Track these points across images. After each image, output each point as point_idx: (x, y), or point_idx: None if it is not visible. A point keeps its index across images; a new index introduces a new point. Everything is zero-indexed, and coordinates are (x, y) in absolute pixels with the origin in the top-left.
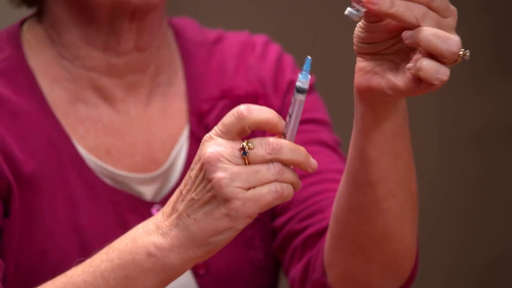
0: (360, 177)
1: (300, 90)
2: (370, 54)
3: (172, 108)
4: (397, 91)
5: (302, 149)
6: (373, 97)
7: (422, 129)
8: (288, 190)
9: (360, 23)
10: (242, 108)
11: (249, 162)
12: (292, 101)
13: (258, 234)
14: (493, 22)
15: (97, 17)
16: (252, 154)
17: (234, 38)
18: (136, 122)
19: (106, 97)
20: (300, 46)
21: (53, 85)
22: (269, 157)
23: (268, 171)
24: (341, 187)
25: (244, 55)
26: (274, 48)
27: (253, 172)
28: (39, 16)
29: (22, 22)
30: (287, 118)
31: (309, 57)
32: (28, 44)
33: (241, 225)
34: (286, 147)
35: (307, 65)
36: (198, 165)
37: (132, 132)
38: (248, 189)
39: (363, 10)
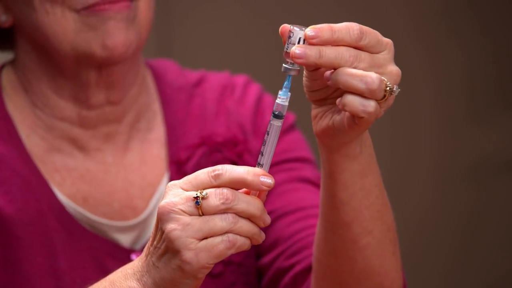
0: (333, 218)
1: (277, 116)
2: (321, 100)
3: (151, 154)
4: (342, 129)
5: (258, 202)
6: (330, 140)
7: (419, 161)
8: (242, 240)
9: (304, 72)
10: (219, 168)
11: (202, 213)
12: (269, 127)
13: (240, 279)
14: (493, 53)
15: (64, 67)
16: (205, 204)
17: (215, 80)
18: (114, 170)
19: (80, 147)
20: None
21: (30, 132)
22: (222, 207)
23: (221, 221)
24: (318, 230)
25: (224, 98)
26: (254, 90)
27: (206, 222)
28: (14, 62)
29: (3, 66)
30: (262, 145)
31: (290, 74)
32: (5, 90)
33: (199, 275)
34: (241, 198)
35: (287, 82)
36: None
37: (109, 180)
38: (201, 239)
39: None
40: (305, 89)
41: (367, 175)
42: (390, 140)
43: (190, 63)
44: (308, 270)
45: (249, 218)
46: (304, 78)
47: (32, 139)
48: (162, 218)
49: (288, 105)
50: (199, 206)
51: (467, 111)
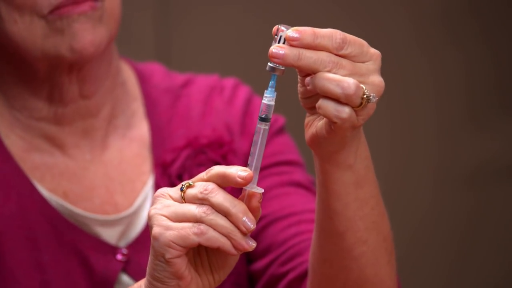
0: (327, 227)
1: (264, 119)
2: (313, 108)
3: (131, 152)
4: (322, 136)
5: (239, 202)
6: (318, 148)
7: (419, 165)
8: (213, 234)
9: (298, 78)
10: (214, 166)
11: (184, 200)
12: (256, 129)
13: (229, 279)
14: (493, 58)
15: (37, 71)
16: (187, 191)
17: (203, 82)
18: (93, 166)
19: (58, 145)
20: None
21: (8, 132)
22: (200, 196)
23: (195, 209)
24: (313, 237)
25: (212, 99)
26: (243, 91)
27: (182, 207)
28: None
29: None
30: (252, 147)
31: (275, 73)
32: None
33: (167, 254)
34: (220, 193)
35: (273, 81)
36: None
37: (89, 176)
38: (175, 222)
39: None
40: (299, 96)
41: (362, 186)
42: (390, 144)
43: (189, 64)
44: (302, 277)
45: (225, 215)
46: (298, 85)
47: (11, 138)
48: (152, 201)
49: (284, 111)
50: (181, 192)
51: (466, 115)
